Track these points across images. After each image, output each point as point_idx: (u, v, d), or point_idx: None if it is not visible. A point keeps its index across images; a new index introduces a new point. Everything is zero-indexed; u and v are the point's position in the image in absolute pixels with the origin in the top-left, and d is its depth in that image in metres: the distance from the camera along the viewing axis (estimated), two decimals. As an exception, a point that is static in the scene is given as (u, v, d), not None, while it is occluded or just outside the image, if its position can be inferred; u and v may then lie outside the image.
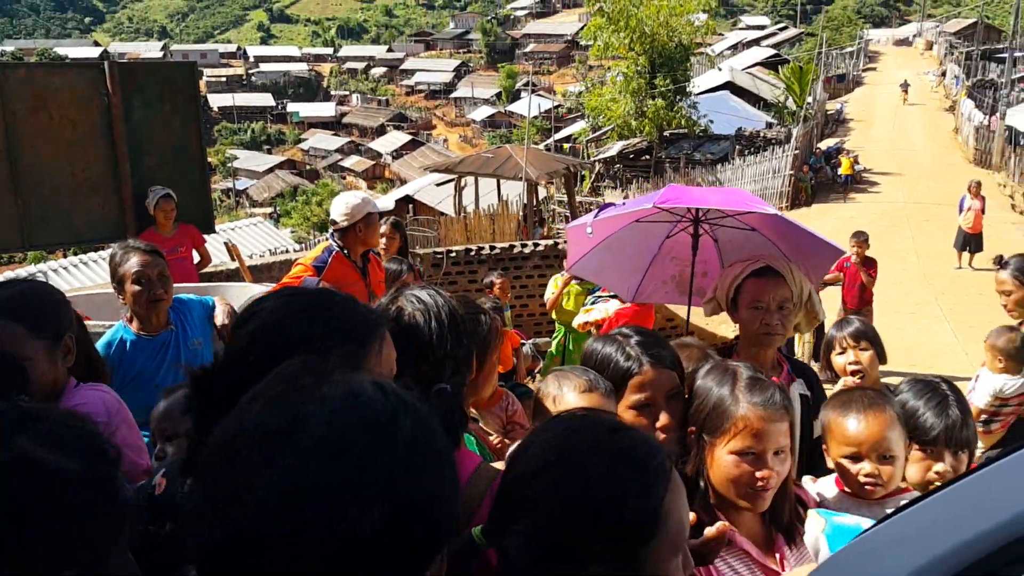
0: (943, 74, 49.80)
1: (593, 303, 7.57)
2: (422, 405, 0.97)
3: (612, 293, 7.56)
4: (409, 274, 6.00)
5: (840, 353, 3.78)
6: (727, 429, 1.87)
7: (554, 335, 8.20)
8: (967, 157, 31.38)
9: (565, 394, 2.06)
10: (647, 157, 31.27)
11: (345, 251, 5.03)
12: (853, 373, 3.64)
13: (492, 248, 10.88)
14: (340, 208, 5.04)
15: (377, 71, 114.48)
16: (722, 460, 1.88)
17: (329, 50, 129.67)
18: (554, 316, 8.03)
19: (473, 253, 10.66)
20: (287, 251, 17.10)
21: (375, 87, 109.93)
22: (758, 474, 1.84)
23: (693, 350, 2.48)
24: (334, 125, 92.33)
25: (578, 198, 26.09)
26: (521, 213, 20.33)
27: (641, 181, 28.47)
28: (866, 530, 1.14)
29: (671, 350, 2.21)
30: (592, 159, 33.15)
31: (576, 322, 6.94)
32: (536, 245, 10.94)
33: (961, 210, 16.17)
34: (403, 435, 0.88)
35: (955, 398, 2.51)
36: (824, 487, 2.37)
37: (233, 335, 1.52)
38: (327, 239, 5.24)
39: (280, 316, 1.49)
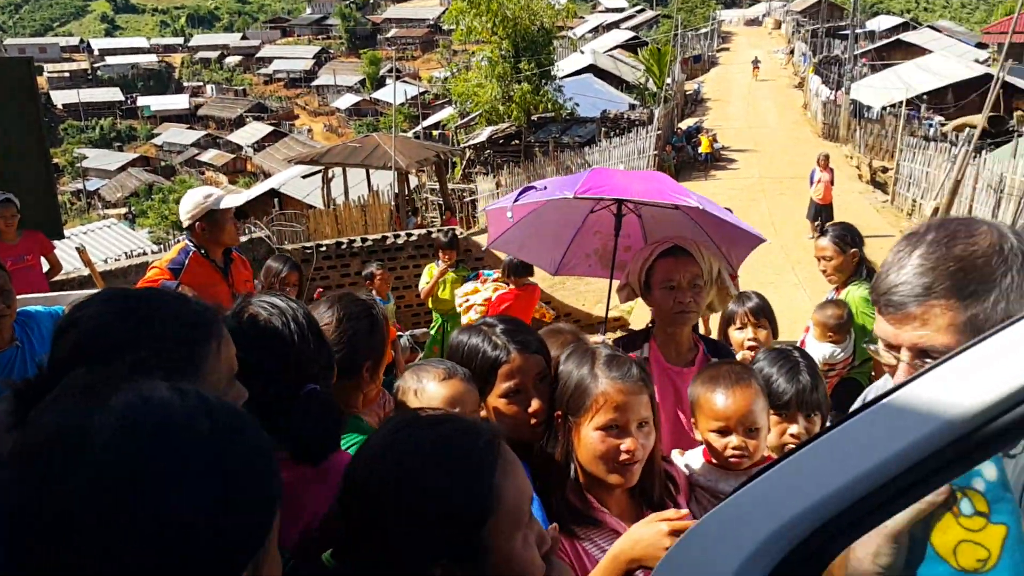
0: (791, 52, 52.32)
1: (463, 302, 7.51)
2: (232, 409, 0.96)
3: (493, 277, 7.56)
4: (292, 273, 5.75)
5: (739, 328, 3.82)
6: (589, 406, 1.94)
7: (431, 325, 8.08)
8: (816, 131, 33.06)
9: (426, 385, 2.08)
10: (516, 142, 31.39)
11: (202, 251, 4.74)
12: (751, 349, 3.69)
13: (364, 240, 10.60)
14: (183, 205, 4.76)
15: (232, 60, 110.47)
16: (588, 437, 1.94)
17: (179, 40, 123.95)
18: (431, 305, 7.92)
19: (344, 246, 10.35)
20: (144, 253, 16.27)
21: (231, 77, 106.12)
22: (623, 447, 1.91)
23: (565, 335, 2.53)
24: (189, 118, 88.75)
25: (450, 185, 25.94)
26: (393, 203, 19.99)
27: (512, 166, 28.55)
28: (727, 496, 1.18)
29: (536, 336, 2.26)
30: (462, 145, 33.03)
31: (460, 308, 6.98)
32: (410, 235, 10.74)
33: (812, 182, 16.99)
34: (198, 438, 0.87)
35: (805, 364, 2.67)
36: (692, 459, 2.43)
37: (55, 344, 1.40)
38: (184, 239, 4.94)
39: (103, 321, 1.38)
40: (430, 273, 7.82)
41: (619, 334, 3.73)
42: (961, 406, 1.00)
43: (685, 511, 1.82)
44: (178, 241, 5.52)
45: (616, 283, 3.91)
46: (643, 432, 1.95)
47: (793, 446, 1.86)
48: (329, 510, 1.46)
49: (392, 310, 7.81)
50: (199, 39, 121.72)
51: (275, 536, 0.97)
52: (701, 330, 4.49)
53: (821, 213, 16.90)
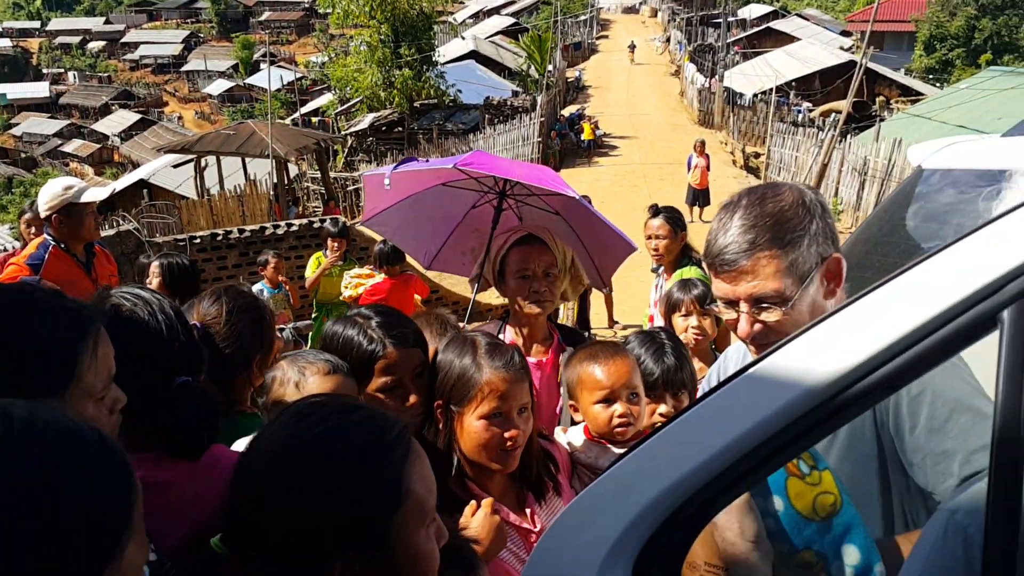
0: (667, 40, 53.68)
1: (353, 280, 7.38)
2: (42, 413, 0.94)
3: (372, 269, 7.44)
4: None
5: (684, 315, 3.85)
6: (474, 396, 1.95)
7: (313, 316, 7.91)
8: (693, 118, 34.08)
9: (308, 379, 2.04)
10: (400, 129, 31.05)
11: (62, 245, 4.52)
12: (696, 337, 3.75)
13: (242, 231, 10.27)
14: (41, 196, 4.55)
15: (95, 45, 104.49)
16: (472, 427, 1.95)
17: (36, 24, 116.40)
18: (314, 297, 7.76)
19: (220, 238, 10.01)
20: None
21: (94, 63, 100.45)
22: (507, 434, 1.93)
23: (434, 323, 2.52)
24: (50, 107, 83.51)
25: (332, 174, 25.43)
26: (272, 193, 19.42)
27: (396, 154, 28.23)
28: (599, 475, 1.22)
29: (413, 328, 2.21)
30: (343, 133, 32.40)
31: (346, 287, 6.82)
32: (291, 226, 10.47)
33: (689, 168, 17.53)
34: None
35: (672, 346, 2.76)
36: (574, 437, 2.45)
37: None
38: (44, 234, 4.67)
39: None
40: (316, 262, 7.62)
41: (476, 324, 3.74)
42: (818, 375, 1.04)
43: (488, 499, 1.85)
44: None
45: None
46: (523, 418, 1.98)
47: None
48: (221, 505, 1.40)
49: (282, 299, 7.58)
50: (58, 23, 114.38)
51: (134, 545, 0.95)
52: (562, 316, 4.56)
53: (699, 198, 17.48)
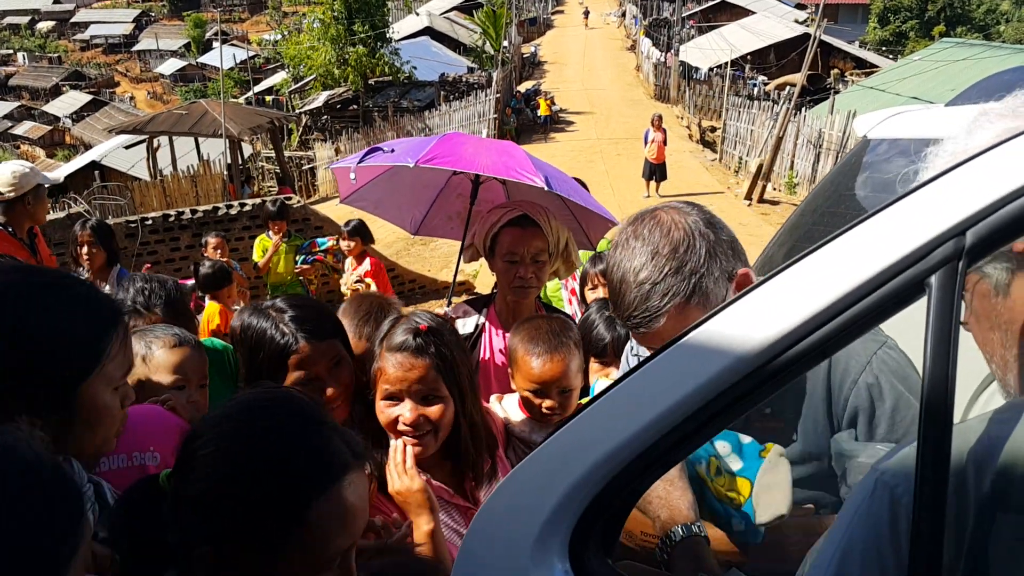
0: (623, 15, 53.66)
1: (304, 261, 7.31)
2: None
3: (326, 246, 7.36)
4: (84, 232, 5.28)
5: (591, 288, 3.89)
6: (375, 379, 1.97)
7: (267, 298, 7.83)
8: (649, 93, 34.19)
9: (154, 352, 2.13)
10: (355, 107, 30.71)
11: (8, 228, 4.47)
12: None
13: (194, 212, 10.10)
14: (6, 178, 4.42)
15: (44, 25, 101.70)
16: (377, 407, 1.97)
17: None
18: (266, 279, 7.68)
19: (173, 219, 9.83)
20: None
21: (44, 43, 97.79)
22: (401, 417, 1.93)
23: (365, 305, 2.47)
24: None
25: (287, 153, 25.09)
26: (226, 173, 19.12)
27: (351, 132, 27.93)
28: (539, 444, 1.22)
29: (330, 318, 2.16)
30: (297, 111, 31.96)
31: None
32: (243, 205, 10.32)
33: (646, 143, 17.56)
34: None
35: None
36: (509, 406, 2.46)
37: None
38: (-17, 218, 4.57)
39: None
40: (262, 245, 7.55)
41: (464, 298, 3.74)
42: (750, 342, 1.03)
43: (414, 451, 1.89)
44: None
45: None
46: (430, 404, 1.95)
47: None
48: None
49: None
50: (5, 3, 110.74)
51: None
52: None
53: (655, 172, 17.54)
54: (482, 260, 3.08)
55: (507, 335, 2.88)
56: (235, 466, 1.17)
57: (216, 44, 52.78)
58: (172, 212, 10.11)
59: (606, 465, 1.10)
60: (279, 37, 40.75)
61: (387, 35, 33.00)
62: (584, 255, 4.61)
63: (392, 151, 3.39)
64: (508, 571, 1.17)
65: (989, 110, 1.21)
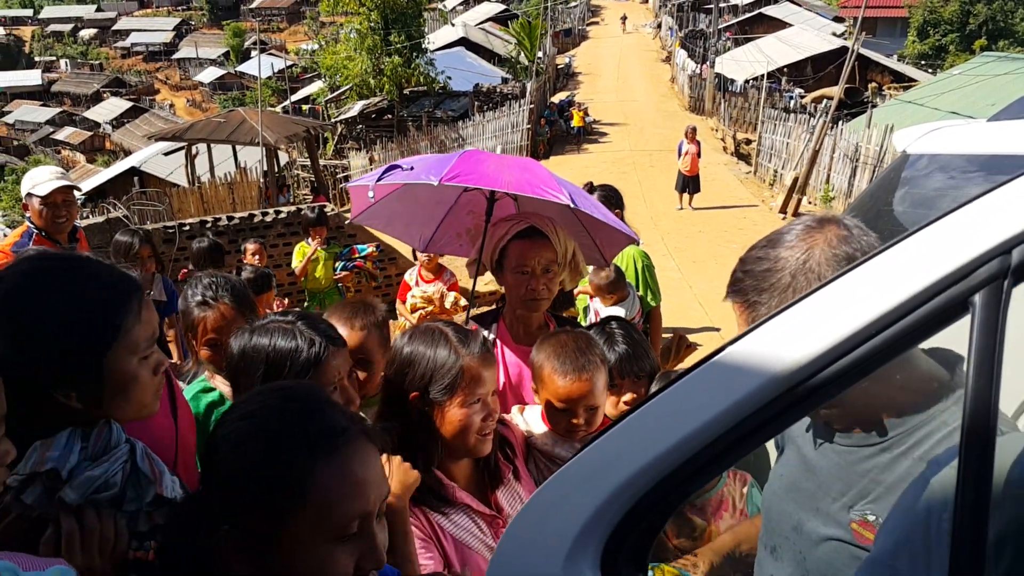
0: (659, 26, 53.56)
1: (344, 268, 7.36)
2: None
3: (365, 252, 7.40)
4: (145, 247, 5.42)
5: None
6: (458, 385, 1.93)
7: (305, 305, 7.89)
8: (683, 105, 34.02)
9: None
10: (389, 116, 30.92)
11: (43, 233, 4.52)
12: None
13: (231, 219, 10.20)
14: (23, 186, 4.55)
15: (87, 33, 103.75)
16: (455, 415, 1.94)
17: (28, 12, 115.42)
18: (304, 285, 7.73)
19: (209, 225, 9.94)
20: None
21: (86, 51, 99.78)
22: (487, 420, 1.96)
23: (350, 312, 2.52)
24: (42, 95, 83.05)
25: (322, 161, 25.32)
26: (262, 180, 19.33)
27: (385, 141, 28.12)
28: (565, 461, 1.22)
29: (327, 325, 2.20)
30: (333, 120, 32.26)
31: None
32: (279, 212, 10.41)
33: (680, 154, 17.45)
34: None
35: (622, 333, 2.75)
36: (531, 419, 2.45)
37: None
38: (25, 222, 4.68)
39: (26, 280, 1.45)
40: (301, 252, 7.60)
41: (483, 310, 3.72)
42: (785, 361, 1.02)
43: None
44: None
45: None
46: (495, 400, 2.02)
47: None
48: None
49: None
50: (50, 11, 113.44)
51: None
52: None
53: (688, 184, 17.43)
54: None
55: (518, 349, 2.88)
56: (238, 444, 1.23)
57: (255, 53, 53.53)
58: (209, 219, 10.22)
59: (640, 479, 1.09)
60: (316, 47, 41.16)
61: (423, 45, 33.23)
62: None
63: (412, 169, 3.32)
64: (539, 583, 1.16)
65: None
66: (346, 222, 9.91)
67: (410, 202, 3.71)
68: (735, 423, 1.03)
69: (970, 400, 0.93)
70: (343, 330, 2.28)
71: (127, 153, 46.89)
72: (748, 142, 25.57)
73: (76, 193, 4.73)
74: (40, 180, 4.48)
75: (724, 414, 1.03)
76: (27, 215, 4.61)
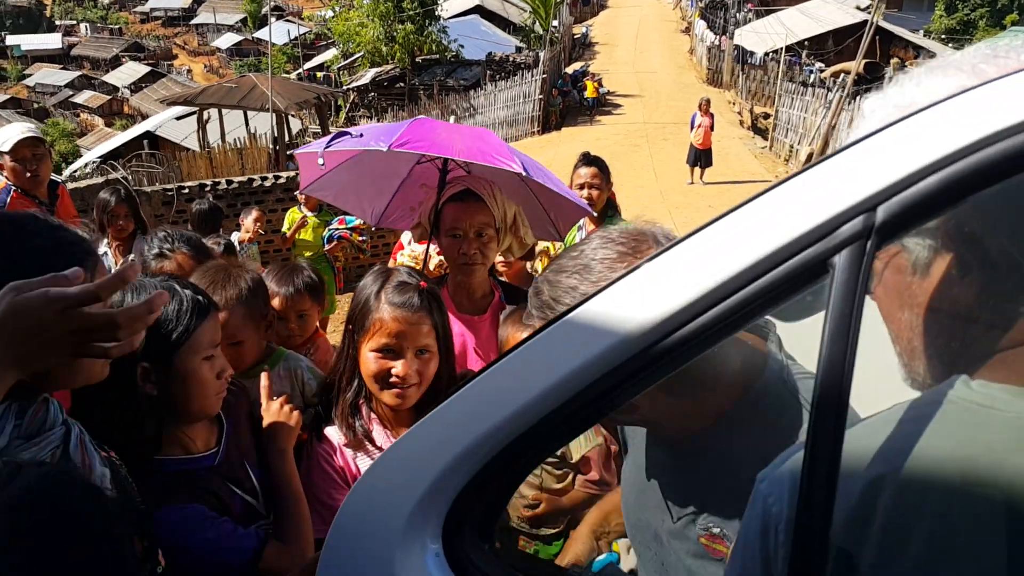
0: (679, -4, 52.89)
1: (329, 238, 7.31)
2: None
3: (353, 224, 7.33)
4: (121, 206, 5.34)
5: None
6: (368, 328, 2.02)
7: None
8: (701, 76, 33.59)
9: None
10: (401, 84, 30.71)
11: (20, 190, 4.53)
12: None
13: (230, 183, 10.18)
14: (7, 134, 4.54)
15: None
16: (365, 357, 2.03)
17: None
18: (293, 251, 7.71)
19: (208, 188, 9.91)
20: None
21: (105, 15, 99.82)
22: (394, 370, 1.99)
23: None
24: (62, 58, 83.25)
25: (333, 129, 25.19)
26: (272, 147, 19.25)
27: (397, 110, 27.94)
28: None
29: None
30: (345, 87, 32.08)
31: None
32: (277, 177, 10.37)
33: (692, 127, 17.13)
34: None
35: None
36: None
37: None
38: (2, 180, 4.68)
39: None
40: (291, 218, 7.60)
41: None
42: (634, 322, 0.94)
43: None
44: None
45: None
46: (422, 359, 2.03)
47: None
48: None
49: (254, 253, 7.49)
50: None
51: None
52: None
53: (700, 158, 17.13)
54: None
55: (461, 318, 2.81)
56: None
57: (272, 19, 53.18)
58: (208, 182, 10.20)
59: (485, 445, 1.02)
60: (331, 14, 40.85)
61: (436, 12, 32.88)
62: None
63: (361, 136, 3.25)
64: (377, 550, 1.11)
65: (951, 61, 1.00)
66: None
67: (362, 174, 3.61)
68: (582, 387, 0.96)
69: (820, 376, 0.84)
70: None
71: (144, 117, 46.96)
72: (766, 116, 25.19)
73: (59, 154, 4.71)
74: (7, 137, 4.46)
75: (570, 377, 0.96)
76: (3, 174, 4.60)
